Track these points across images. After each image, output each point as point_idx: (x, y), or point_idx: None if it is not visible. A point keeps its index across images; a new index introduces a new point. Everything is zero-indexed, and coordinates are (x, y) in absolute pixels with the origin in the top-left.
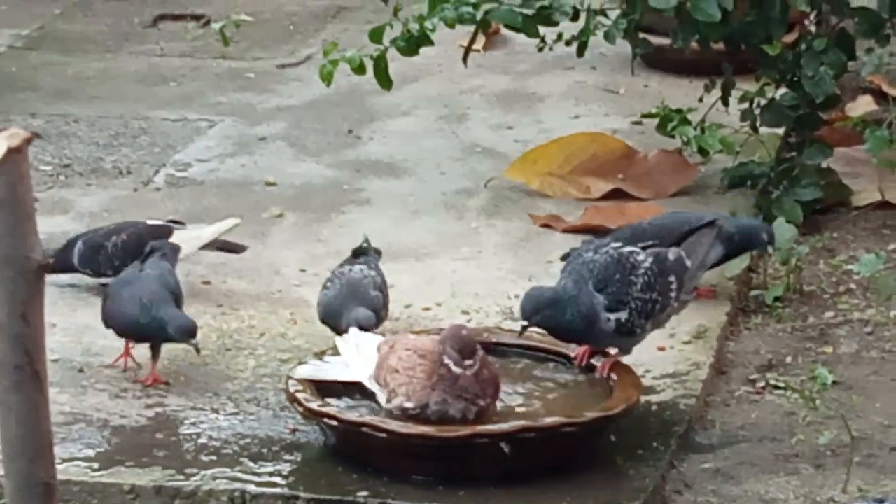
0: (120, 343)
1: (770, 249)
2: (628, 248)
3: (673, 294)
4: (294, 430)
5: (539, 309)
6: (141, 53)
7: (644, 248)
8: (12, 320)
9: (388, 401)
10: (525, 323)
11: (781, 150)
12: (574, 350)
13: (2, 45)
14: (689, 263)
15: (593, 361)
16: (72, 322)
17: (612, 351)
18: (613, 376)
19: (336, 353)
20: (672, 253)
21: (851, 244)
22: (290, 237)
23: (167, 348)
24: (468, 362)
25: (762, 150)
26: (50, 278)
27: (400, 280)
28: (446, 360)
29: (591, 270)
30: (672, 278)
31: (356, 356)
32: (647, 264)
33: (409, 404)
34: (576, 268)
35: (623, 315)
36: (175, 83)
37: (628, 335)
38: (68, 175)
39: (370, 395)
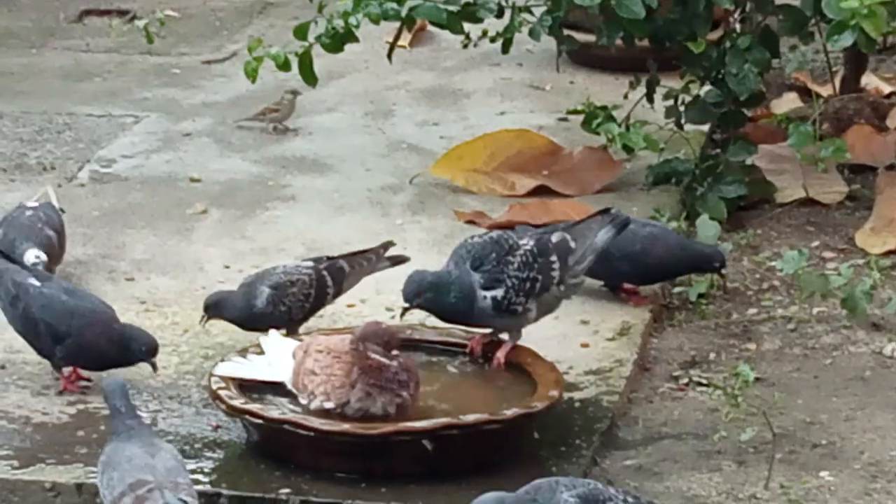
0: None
1: (721, 273)
2: (509, 233)
3: (555, 273)
4: (217, 428)
5: (421, 291)
6: (66, 49)
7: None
8: None
9: (309, 404)
10: (406, 305)
11: (706, 147)
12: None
13: None
14: (573, 245)
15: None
16: None
17: (504, 337)
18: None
19: (259, 350)
20: (556, 235)
21: (775, 241)
22: (214, 233)
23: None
24: (394, 353)
25: (687, 147)
26: None
27: None
28: (372, 354)
29: (469, 251)
30: (554, 258)
31: (278, 356)
32: (527, 245)
33: (328, 404)
34: (457, 251)
35: (499, 293)
36: (100, 79)
37: (509, 314)
38: None
39: (293, 394)
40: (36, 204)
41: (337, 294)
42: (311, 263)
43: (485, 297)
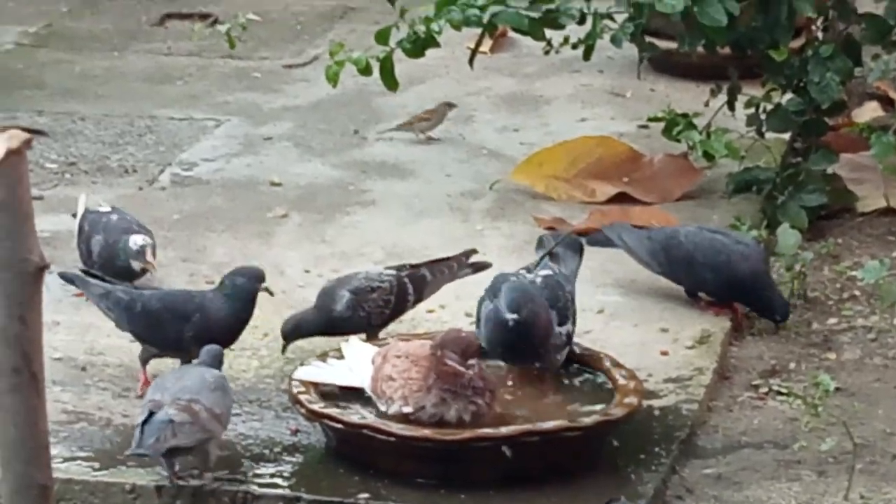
0: (121, 342)
1: (777, 325)
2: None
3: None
4: (296, 432)
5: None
6: (148, 52)
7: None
8: (10, 322)
9: (387, 409)
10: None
11: (787, 156)
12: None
13: (9, 43)
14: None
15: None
16: (75, 321)
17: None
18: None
19: (339, 355)
20: (549, 270)
21: (856, 250)
22: (294, 238)
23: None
24: (471, 361)
25: (768, 156)
26: (52, 276)
27: None
28: (449, 361)
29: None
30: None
31: (358, 361)
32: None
33: (406, 409)
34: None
35: (570, 327)
36: (181, 82)
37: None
38: (74, 173)
39: (371, 399)
40: (109, 208)
41: (417, 301)
42: (393, 271)
43: (560, 334)
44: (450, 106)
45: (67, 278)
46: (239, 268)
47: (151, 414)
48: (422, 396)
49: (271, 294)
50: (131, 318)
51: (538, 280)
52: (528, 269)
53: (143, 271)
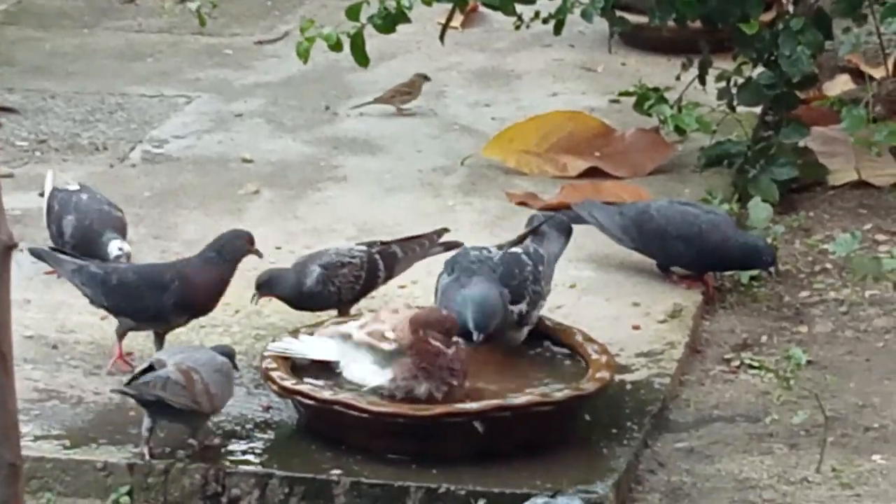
0: (92, 319)
1: (771, 270)
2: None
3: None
4: (268, 408)
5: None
6: (118, 29)
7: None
8: None
9: (368, 329)
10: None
11: (758, 130)
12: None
13: None
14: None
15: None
16: (46, 299)
17: None
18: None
19: (311, 332)
20: (532, 245)
21: (827, 224)
22: (265, 214)
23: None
24: (454, 339)
25: (739, 129)
26: (22, 254)
27: None
28: (433, 341)
29: (496, 264)
30: (541, 268)
31: (329, 339)
32: (527, 258)
33: (390, 335)
34: (464, 263)
35: (522, 307)
36: (152, 59)
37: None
38: (44, 151)
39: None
40: (77, 186)
41: (388, 278)
42: (364, 247)
43: (512, 312)
44: (425, 78)
45: (38, 255)
46: (228, 231)
47: (152, 367)
48: (404, 344)
49: (260, 256)
50: (108, 291)
51: (496, 258)
52: (500, 247)
53: None
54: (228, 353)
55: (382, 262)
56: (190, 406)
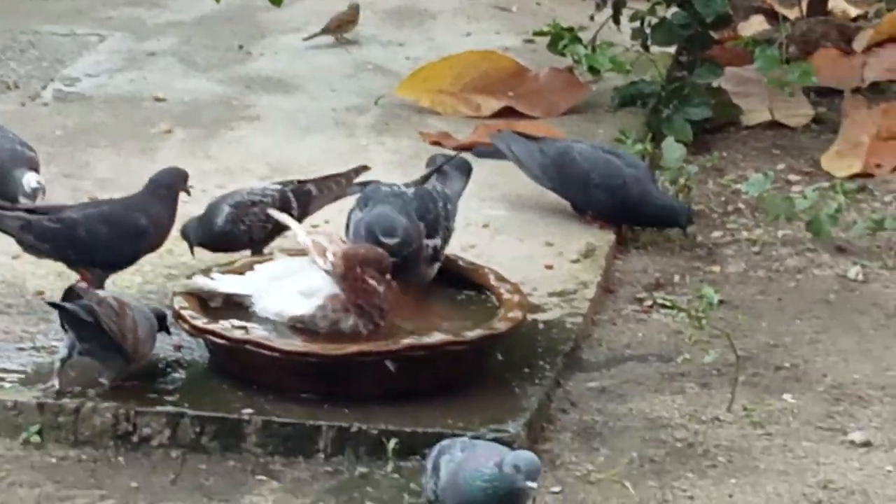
0: (3, 259)
1: (685, 232)
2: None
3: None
4: (179, 347)
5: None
6: None
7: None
8: None
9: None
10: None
11: (672, 70)
12: None
13: None
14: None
15: None
16: None
17: None
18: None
19: (224, 270)
20: (438, 184)
21: (741, 164)
22: (178, 153)
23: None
24: (388, 277)
25: (653, 70)
26: None
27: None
28: (371, 280)
29: (411, 199)
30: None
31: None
32: (439, 194)
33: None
34: (380, 197)
35: (437, 242)
36: None
37: (435, 262)
38: None
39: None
40: None
41: (303, 216)
42: (279, 186)
43: (427, 246)
44: (356, 6)
45: None
46: (163, 170)
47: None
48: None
49: (189, 194)
50: (75, 244)
51: (409, 192)
52: (407, 185)
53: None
54: (160, 315)
55: (296, 200)
56: (116, 336)
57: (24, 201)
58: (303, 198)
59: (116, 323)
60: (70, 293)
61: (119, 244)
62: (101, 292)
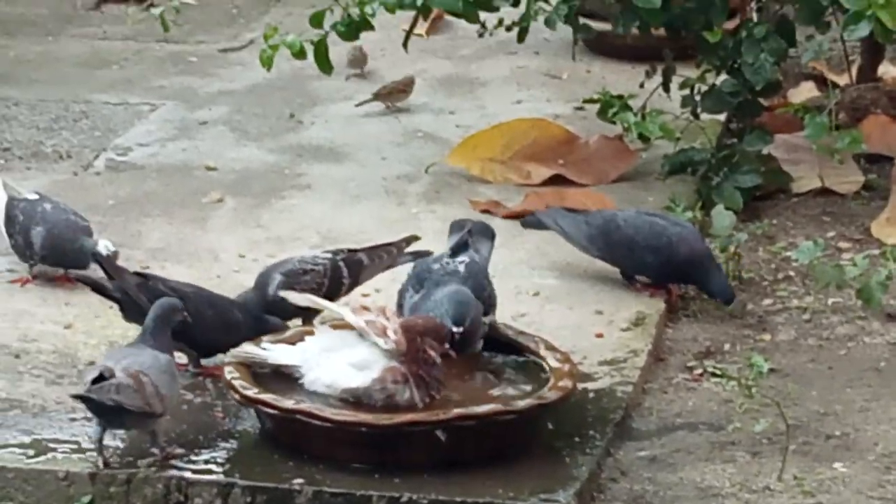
0: (55, 329)
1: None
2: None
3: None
4: (224, 417)
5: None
6: (83, 36)
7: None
8: None
9: (368, 319)
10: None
11: (722, 137)
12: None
13: None
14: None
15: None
16: (9, 307)
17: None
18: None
19: (274, 340)
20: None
21: (791, 231)
22: (229, 222)
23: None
24: (446, 346)
25: (703, 137)
26: None
27: None
28: (430, 351)
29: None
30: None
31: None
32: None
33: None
34: (433, 277)
35: (493, 317)
36: (117, 66)
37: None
38: (7, 159)
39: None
40: (36, 195)
41: (353, 285)
42: (329, 255)
43: (484, 323)
44: (412, 78)
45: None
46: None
47: (102, 376)
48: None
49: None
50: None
51: (461, 269)
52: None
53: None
54: (173, 308)
55: (347, 269)
56: (143, 409)
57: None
58: (354, 267)
59: (139, 399)
60: (100, 379)
61: (216, 330)
62: (119, 375)
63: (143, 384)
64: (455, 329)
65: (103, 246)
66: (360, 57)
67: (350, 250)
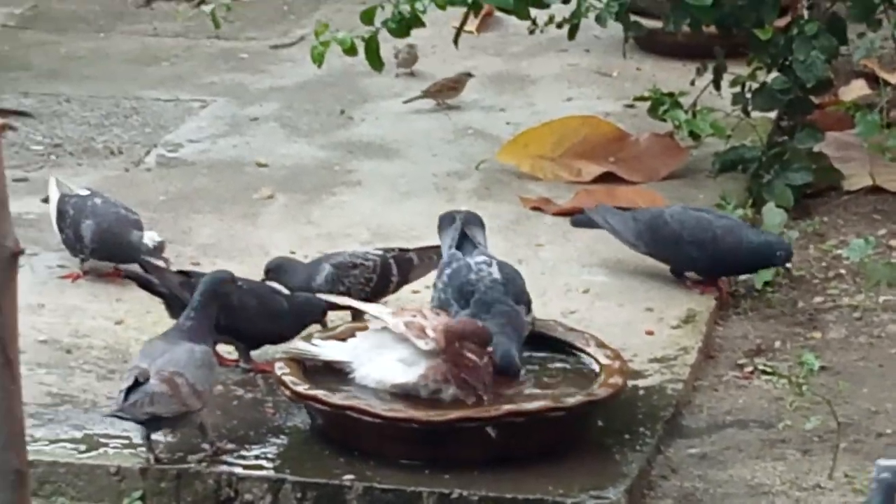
0: (106, 324)
1: (787, 266)
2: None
3: None
4: (275, 413)
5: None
6: (134, 33)
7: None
8: None
9: (406, 320)
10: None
11: (773, 135)
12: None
13: None
14: None
15: None
16: (60, 303)
17: None
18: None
19: (325, 336)
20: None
21: (842, 229)
22: (280, 218)
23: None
24: (489, 349)
25: (753, 134)
26: (37, 259)
27: None
28: (469, 354)
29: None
30: None
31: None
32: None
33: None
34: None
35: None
36: (168, 63)
37: None
38: (59, 155)
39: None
40: (87, 191)
41: (402, 283)
42: (380, 252)
43: (528, 323)
44: (468, 76)
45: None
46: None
47: (137, 382)
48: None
49: None
50: (225, 311)
51: (498, 276)
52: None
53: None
54: (223, 278)
55: (397, 267)
56: (180, 411)
57: (149, 258)
58: (404, 265)
59: (175, 403)
60: (135, 385)
61: (262, 320)
62: (151, 384)
63: (177, 387)
64: (511, 372)
65: (149, 238)
66: (409, 58)
67: (401, 250)
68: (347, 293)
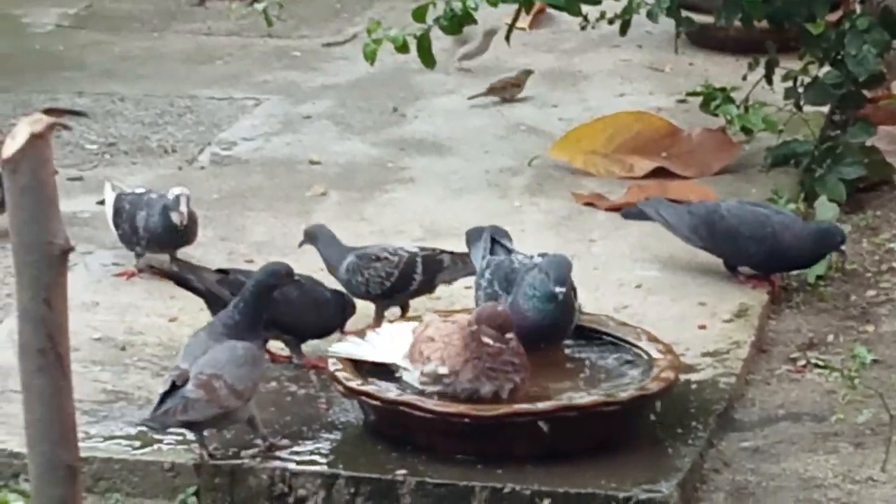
0: (160, 321)
1: (843, 253)
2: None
3: None
4: (330, 409)
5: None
6: (187, 32)
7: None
8: (35, 304)
9: (423, 367)
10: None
11: (825, 129)
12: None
13: (49, 24)
14: None
15: None
16: (114, 301)
17: None
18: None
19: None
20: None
21: (895, 223)
22: (333, 215)
23: None
24: (508, 336)
25: (806, 129)
26: (91, 257)
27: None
28: (485, 338)
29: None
30: None
31: (396, 338)
32: None
33: (442, 369)
34: (515, 273)
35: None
36: (221, 62)
37: None
38: (113, 154)
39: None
40: (143, 190)
41: (425, 284)
42: (415, 249)
43: (577, 309)
44: (528, 73)
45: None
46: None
47: (174, 385)
48: (459, 362)
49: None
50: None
51: (539, 261)
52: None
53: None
54: (280, 271)
55: (423, 266)
56: (217, 413)
57: (174, 215)
58: (432, 266)
59: (212, 407)
60: (173, 388)
61: (307, 311)
62: (186, 390)
63: (215, 390)
64: (557, 290)
65: (171, 192)
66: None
67: (442, 251)
68: (366, 284)
